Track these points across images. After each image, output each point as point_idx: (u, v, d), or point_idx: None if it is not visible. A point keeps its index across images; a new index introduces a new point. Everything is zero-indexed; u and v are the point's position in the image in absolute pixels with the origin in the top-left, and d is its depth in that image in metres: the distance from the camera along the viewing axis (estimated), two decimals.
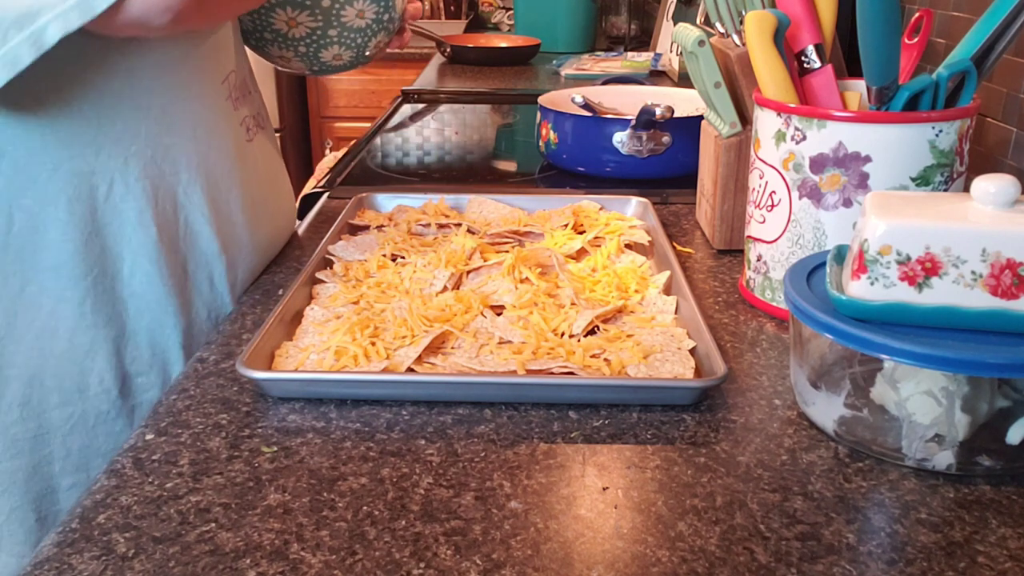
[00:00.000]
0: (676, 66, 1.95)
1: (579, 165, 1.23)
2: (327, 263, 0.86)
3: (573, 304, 0.75)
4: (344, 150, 1.48)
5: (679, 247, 0.95)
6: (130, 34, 0.66)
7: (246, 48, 0.93)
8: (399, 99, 1.85)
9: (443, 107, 1.79)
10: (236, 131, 0.83)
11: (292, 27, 0.90)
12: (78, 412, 0.74)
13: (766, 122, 0.74)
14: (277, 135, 2.97)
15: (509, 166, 1.39)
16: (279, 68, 0.99)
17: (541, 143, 1.29)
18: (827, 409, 0.60)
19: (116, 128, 0.71)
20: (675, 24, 1.89)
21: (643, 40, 2.65)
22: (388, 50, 1.00)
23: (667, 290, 0.79)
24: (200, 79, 0.78)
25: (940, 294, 0.55)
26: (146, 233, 0.74)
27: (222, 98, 0.81)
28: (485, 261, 0.83)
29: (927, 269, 0.55)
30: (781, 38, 0.74)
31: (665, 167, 1.18)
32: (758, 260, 0.79)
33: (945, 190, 0.70)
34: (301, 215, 1.14)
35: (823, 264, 0.64)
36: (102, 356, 0.74)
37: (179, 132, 0.76)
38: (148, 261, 0.75)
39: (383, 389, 0.64)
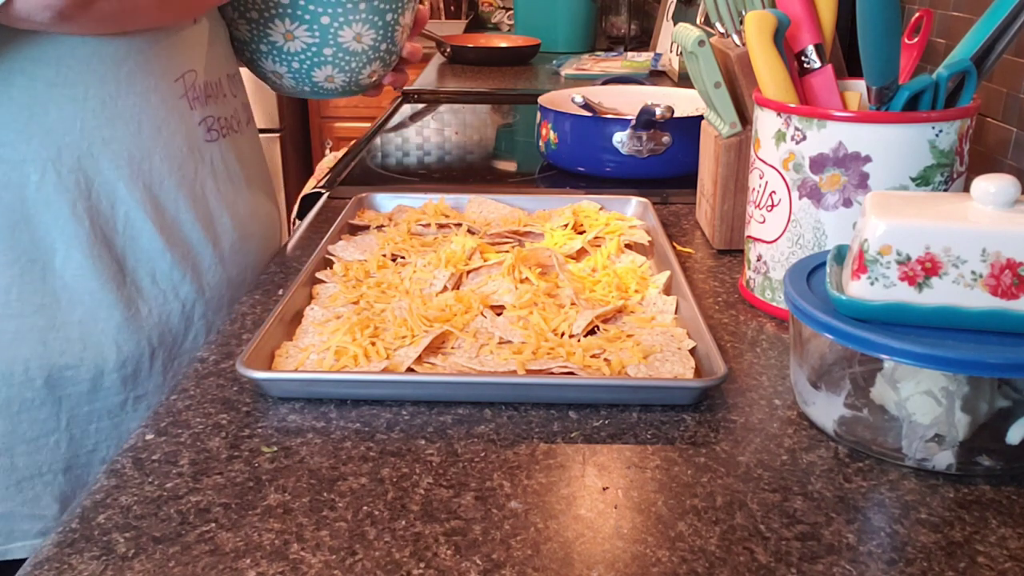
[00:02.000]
0: (676, 66, 1.95)
1: (579, 165, 1.23)
2: (327, 263, 0.86)
3: (573, 304, 0.75)
4: (344, 150, 1.48)
5: (679, 247, 0.95)
6: (23, 27, 0.67)
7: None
8: (399, 99, 1.85)
9: (443, 107, 1.79)
10: (191, 130, 0.82)
11: (288, 40, 0.90)
12: (1, 397, 0.74)
13: (766, 122, 0.75)
14: (277, 135, 2.99)
15: (509, 166, 1.39)
16: (271, 87, 0.97)
17: (541, 143, 1.29)
18: (827, 409, 0.60)
19: (49, 118, 0.72)
20: (675, 24, 1.89)
21: (643, 40, 2.65)
22: (384, 84, 0.99)
23: (667, 290, 0.79)
24: (147, 76, 0.77)
25: (940, 294, 0.55)
26: (79, 225, 0.74)
27: (174, 96, 0.80)
28: (485, 261, 0.83)
29: (927, 269, 0.55)
30: (781, 38, 0.74)
31: (665, 167, 1.18)
32: (758, 260, 0.79)
33: (945, 190, 0.71)
34: (301, 215, 1.14)
35: (823, 264, 0.64)
36: (27, 345, 0.74)
37: (121, 126, 0.75)
38: (81, 254, 0.74)
39: (383, 389, 0.64)
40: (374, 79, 0.96)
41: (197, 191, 0.83)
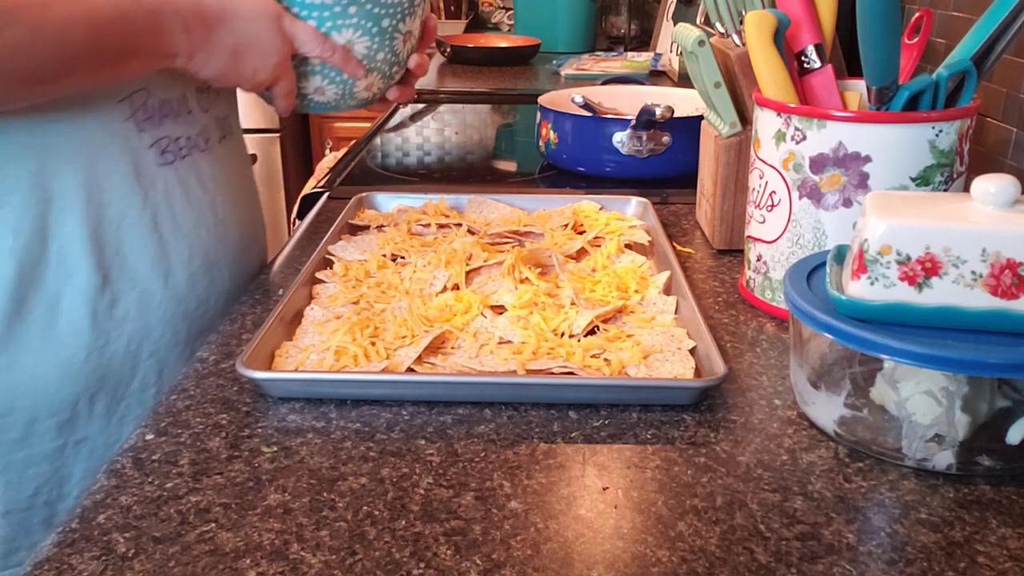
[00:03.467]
0: (676, 66, 1.95)
1: (579, 165, 1.23)
2: (327, 263, 0.86)
3: (573, 304, 0.75)
4: (344, 150, 1.48)
5: (679, 247, 0.95)
6: None
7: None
8: None
9: (443, 107, 1.79)
10: (139, 155, 0.75)
11: None
12: None
13: (766, 122, 0.75)
14: (277, 135, 2.99)
15: (509, 166, 1.39)
16: (264, 100, 0.85)
17: (541, 143, 1.29)
18: (827, 409, 0.60)
19: None
20: (675, 24, 1.89)
21: (643, 40, 2.65)
22: (388, 98, 0.89)
23: (667, 290, 0.79)
24: (83, 98, 0.71)
25: (940, 294, 0.55)
26: (3, 265, 0.68)
27: (118, 120, 0.73)
28: (485, 261, 0.83)
29: (927, 269, 0.55)
30: (781, 38, 0.74)
31: (665, 167, 1.18)
32: (758, 260, 0.79)
33: (945, 190, 0.71)
34: (301, 215, 1.14)
35: (823, 264, 0.64)
36: None
37: (52, 155, 0.70)
38: (8, 297, 0.69)
39: (383, 389, 0.64)
40: (373, 92, 0.85)
41: (146, 221, 0.76)
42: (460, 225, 0.93)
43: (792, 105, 0.72)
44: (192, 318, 0.80)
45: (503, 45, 2.44)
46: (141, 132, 0.75)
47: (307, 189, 1.29)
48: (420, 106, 1.80)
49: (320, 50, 0.78)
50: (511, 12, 2.94)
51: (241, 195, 0.89)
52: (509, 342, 0.69)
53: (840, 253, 0.63)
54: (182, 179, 0.79)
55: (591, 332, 0.72)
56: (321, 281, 0.81)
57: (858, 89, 0.77)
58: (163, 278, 0.77)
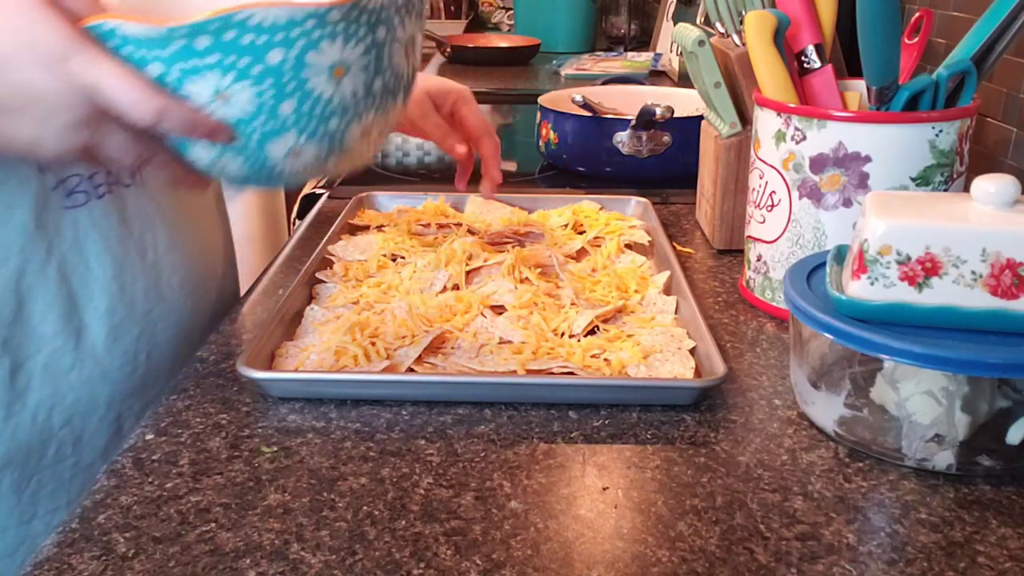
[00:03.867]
0: (676, 66, 1.95)
1: (579, 165, 1.23)
2: (327, 263, 0.86)
3: (573, 304, 0.75)
4: None
5: (679, 247, 0.95)
6: None
7: None
8: None
9: None
10: (41, 199, 0.65)
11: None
12: None
13: (766, 122, 0.75)
14: None
15: (509, 166, 1.39)
16: None
17: (541, 143, 1.29)
18: (827, 409, 0.60)
19: None
20: (675, 24, 1.89)
21: (643, 40, 2.65)
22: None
23: (667, 290, 0.79)
24: None
25: (940, 294, 0.55)
26: None
27: (13, 160, 0.63)
28: (485, 261, 0.83)
29: (927, 269, 0.55)
30: (781, 38, 0.74)
31: (665, 167, 1.18)
32: (758, 260, 0.79)
33: (945, 190, 0.71)
34: (301, 215, 1.14)
35: (823, 264, 0.64)
36: None
37: None
38: None
39: (383, 389, 0.64)
40: (309, 161, 0.54)
41: (51, 274, 0.66)
42: (460, 225, 0.93)
43: (792, 105, 0.72)
44: (115, 379, 0.71)
45: (503, 45, 2.44)
46: (43, 172, 0.65)
47: (307, 189, 1.29)
48: None
49: (138, 111, 0.49)
50: (511, 12, 2.94)
51: (189, 230, 0.77)
52: (509, 342, 0.69)
53: (840, 253, 0.63)
54: (97, 221, 0.68)
55: (591, 332, 0.72)
56: (321, 281, 0.81)
57: (858, 89, 0.77)
58: (75, 337, 0.68)
